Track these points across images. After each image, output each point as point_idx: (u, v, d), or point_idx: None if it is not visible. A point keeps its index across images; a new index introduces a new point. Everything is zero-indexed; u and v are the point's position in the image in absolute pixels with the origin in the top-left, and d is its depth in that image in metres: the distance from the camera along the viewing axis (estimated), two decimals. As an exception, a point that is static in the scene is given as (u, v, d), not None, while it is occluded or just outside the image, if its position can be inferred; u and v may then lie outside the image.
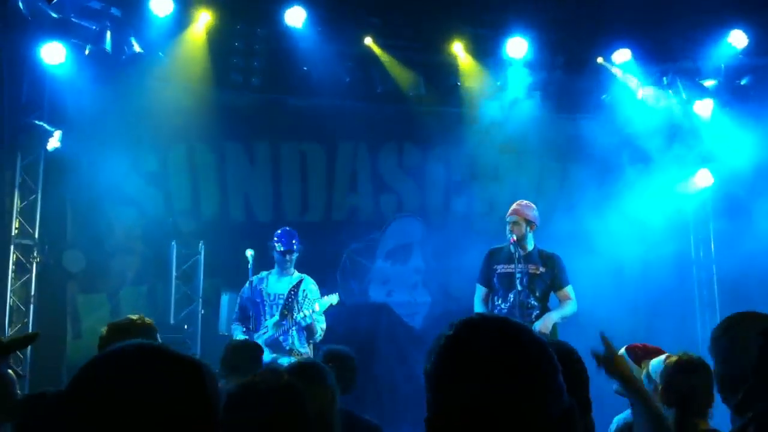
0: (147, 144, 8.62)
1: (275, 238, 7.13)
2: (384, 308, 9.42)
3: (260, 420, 2.35)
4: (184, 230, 8.54)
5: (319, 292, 7.16)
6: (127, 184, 8.56)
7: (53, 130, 7.74)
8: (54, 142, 7.75)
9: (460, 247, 8.63)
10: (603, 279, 8.42)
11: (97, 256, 8.24)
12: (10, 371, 2.37)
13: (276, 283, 7.14)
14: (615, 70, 9.19)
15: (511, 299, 6.72)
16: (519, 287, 6.65)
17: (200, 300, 8.68)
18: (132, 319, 3.77)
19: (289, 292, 7.01)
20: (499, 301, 6.85)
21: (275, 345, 6.90)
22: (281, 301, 7.01)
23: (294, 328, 6.94)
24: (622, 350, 4.35)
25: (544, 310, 6.79)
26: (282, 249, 7.06)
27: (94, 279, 8.43)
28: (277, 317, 6.94)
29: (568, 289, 6.91)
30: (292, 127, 9.39)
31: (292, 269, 7.17)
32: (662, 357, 3.73)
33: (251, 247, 7.01)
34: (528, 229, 6.85)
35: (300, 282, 7.06)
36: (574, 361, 2.60)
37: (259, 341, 6.55)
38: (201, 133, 8.91)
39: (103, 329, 3.75)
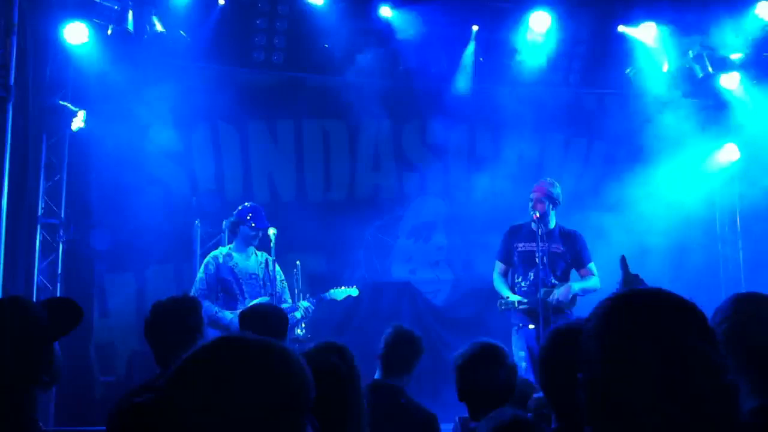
0: (170, 123, 8.64)
1: (248, 215, 6.90)
2: (407, 286, 9.43)
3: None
4: (209, 210, 8.57)
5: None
6: (151, 163, 8.60)
7: (77, 110, 7.79)
8: (78, 122, 7.80)
9: (484, 224, 8.62)
10: (627, 256, 8.35)
11: (123, 236, 8.30)
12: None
13: (245, 261, 6.93)
14: (640, 36, 9.05)
15: (531, 277, 6.74)
16: (540, 265, 6.66)
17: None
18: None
19: (267, 275, 6.84)
20: (519, 279, 6.88)
21: None
22: (254, 281, 6.85)
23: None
24: None
25: (563, 287, 6.79)
26: (257, 226, 6.88)
27: (121, 258, 8.50)
28: (267, 299, 6.71)
29: (591, 266, 6.92)
30: (314, 105, 9.38)
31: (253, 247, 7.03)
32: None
33: (274, 226, 6.97)
34: (550, 206, 6.85)
35: (267, 262, 6.89)
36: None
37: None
38: (224, 112, 8.93)
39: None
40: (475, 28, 9.04)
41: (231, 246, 7.02)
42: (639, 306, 1.52)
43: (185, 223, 8.49)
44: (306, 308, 6.87)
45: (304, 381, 1.56)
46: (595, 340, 1.51)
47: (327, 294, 7.02)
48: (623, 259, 2.91)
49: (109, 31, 7.87)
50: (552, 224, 6.89)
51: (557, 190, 6.92)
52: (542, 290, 6.59)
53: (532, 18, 8.88)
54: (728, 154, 9.60)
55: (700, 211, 9.66)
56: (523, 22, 8.95)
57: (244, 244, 6.95)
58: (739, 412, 1.46)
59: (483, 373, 3.47)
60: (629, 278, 2.82)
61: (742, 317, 2.38)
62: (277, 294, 6.85)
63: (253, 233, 6.90)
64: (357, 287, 7.20)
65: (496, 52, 9.23)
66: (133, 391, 3.55)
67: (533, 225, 6.80)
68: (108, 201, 8.35)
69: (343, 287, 7.08)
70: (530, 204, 6.84)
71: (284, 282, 7.07)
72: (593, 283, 6.81)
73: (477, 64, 9.20)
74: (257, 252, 7.00)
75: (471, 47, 9.14)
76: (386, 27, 8.81)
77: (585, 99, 9.99)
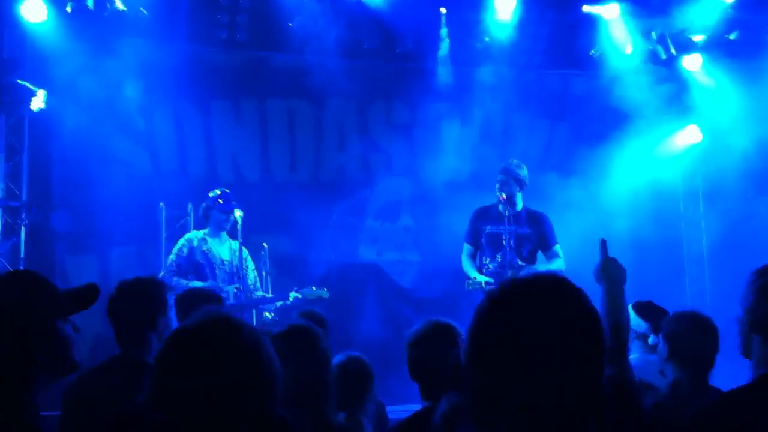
0: (132, 103, 8.50)
1: (218, 200, 6.94)
2: (374, 268, 9.42)
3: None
4: (172, 191, 8.49)
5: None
6: (114, 144, 8.47)
7: (37, 89, 7.64)
8: (38, 103, 7.65)
9: (450, 205, 8.64)
10: (591, 237, 8.44)
11: (86, 217, 8.19)
12: (69, 327, 2.30)
13: (219, 247, 7.01)
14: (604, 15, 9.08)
15: (499, 259, 6.80)
16: (507, 247, 6.70)
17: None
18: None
19: (241, 264, 6.85)
20: (487, 261, 6.94)
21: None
22: (228, 267, 6.91)
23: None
24: (629, 306, 4.42)
25: (531, 268, 6.86)
26: (226, 208, 6.91)
27: (83, 240, 8.39)
28: (238, 285, 6.80)
29: (556, 248, 7.00)
30: (279, 85, 9.27)
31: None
32: (673, 315, 3.73)
33: (240, 208, 6.94)
34: (517, 188, 6.89)
35: (241, 250, 6.89)
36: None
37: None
38: (187, 92, 8.79)
39: None
40: (443, 10, 8.99)
41: (206, 231, 7.05)
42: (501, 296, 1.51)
43: (149, 205, 8.39)
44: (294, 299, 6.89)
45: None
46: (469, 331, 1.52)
47: (299, 293, 6.98)
48: (603, 243, 2.93)
49: (69, 9, 7.73)
50: (519, 206, 6.95)
51: (524, 172, 6.97)
52: (509, 272, 6.64)
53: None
54: (690, 135, 9.71)
55: (663, 192, 9.79)
56: (489, 3, 8.92)
57: (217, 229, 7.00)
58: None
59: (433, 352, 3.36)
60: (607, 262, 2.83)
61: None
62: (248, 285, 6.90)
63: (224, 216, 6.93)
64: (327, 289, 7.18)
65: (462, 33, 9.21)
66: (91, 371, 3.52)
67: (500, 207, 6.84)
68: (70, 182, 8.23)
69: (314, 287, 7.10)
70: (497, 186, 6.87)
71: (255, 272, 7.13)
72: (558, 266, 6.88)
73: (443, 44, 9.18)
74: (230, 239, 7.04)
75: (444, 31, 9.09)
76: (351, 5, 8.73)
77: (549, 80, 10.02)
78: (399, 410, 5.80)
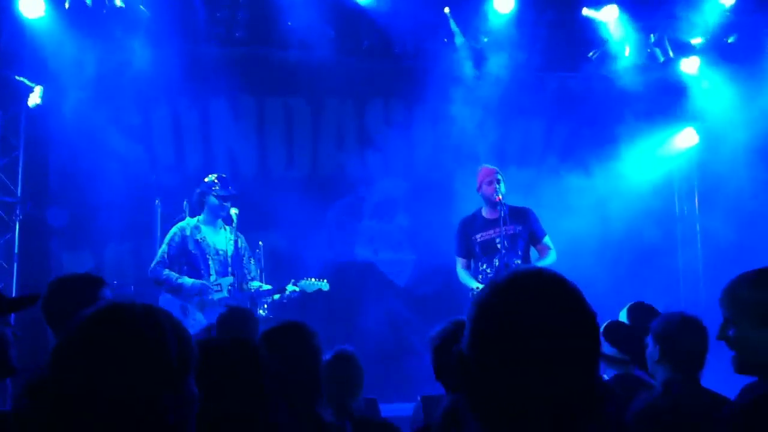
0: (129, 99, 8.49)
1: (215, 185, 6.71)
2: (370, 267, 9.42)
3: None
4: (168, 187, 8.47)
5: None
6: (110, 140, 8.45)
7: (34, 85, 7.63)
8: (35, 98, 7.65)
9: (445, 204, 8.64)
10: (586, 237, 8.48)
11: (81, 213, 8.18)
12: (9, 331, 2.30)
13: (214, 236, 6.74)
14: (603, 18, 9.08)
15: (497, 263, 6.78)
16: (503, 250, 6.70)
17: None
18: None
19: (237, 253, 6.68)
20: (484, 266, 6.93)
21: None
22: (222, 258, 6.67)
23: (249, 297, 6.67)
24: (623, 311, 4.44)
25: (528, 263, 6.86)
26: (224, 194, 6.69)
27: (78, 236, 8.38)
28: (231, 279, 6.62)
29: (546, 240, 7.01)
30: (277, 82, 9.27)
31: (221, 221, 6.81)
32: (663, 316, 3.74)
33: (236, 205, 6.87)
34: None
35: (237, 240, 6.73)
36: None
37: (214, 297, 6.48)
38: (185, 88, 8.77)
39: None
40: (447, 10, 8.98)
41: (200, 218, 6.80)
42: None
43: (145, 201, 8.37)
44: (291, 292, 6.76)
45: (183, 347, 1.59)
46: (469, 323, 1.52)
47: (297, 285, 6.81)
48: None
49: (67, 5, 7.71)
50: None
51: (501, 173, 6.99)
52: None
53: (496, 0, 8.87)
54: (687, 138, 9.72)
55: (659, 194, 9.80)
56: (488, 4, 8.92)
57: (213, 217, 6.76)
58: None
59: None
60: None
61: None
62: (245, 274, 6.71)
63: (219, 203, 6.69)
64: (327, 281, 6.98)
65: (461, 32, 9.20)
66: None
67: (484, 212, 6.89)
68: (66, 178, 8.22)
69: (313, 279, 6.90)
70: (497, 187, 6.82)
71: (252, 259, 6.92)
72: (550, 260, 6.88)
73: (444, 44, 9.17)
74: (227, 227, 6.79)
75: (453, 25, 9.08)
76: (350, 4, 8.72)
77: (547, 82, 10.01)
78: (394, 408, 5.81)
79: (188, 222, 6.81)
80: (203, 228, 6.76)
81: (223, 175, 6.93)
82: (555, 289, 1.48)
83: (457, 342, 3.43)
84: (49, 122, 7.97)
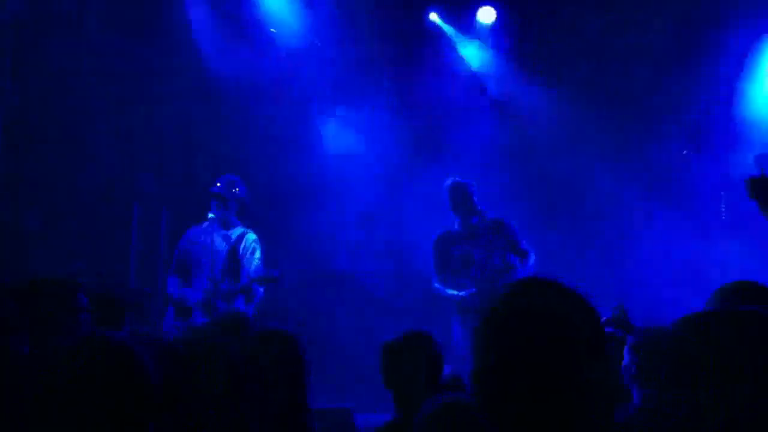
0: (110, 99, 8.38)
1: (218, 182, 6.73)
2: (348, 277, 9.33)
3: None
4: (147, 190, 8.37)
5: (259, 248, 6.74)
6: (88, 141, 8.32)
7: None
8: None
9: (425, 214, 8.60)
10: (582, 237, 8.53)
11: (55, 216, 8.06)
12: None
13: (206, 234, 6.63)
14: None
15: (478, 276, 6.76)
16: (481, 262, 6.71)
17: (161, 263, 8.51)
18: None
19: (232, 247, 6.60)
20: (462, 280, 6.89)
21: (211, 308, 6.36)
22: (214, 257, 6.53)
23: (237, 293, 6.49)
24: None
25: (509, 271, 6.81)
26: (213, 190, 6.67)
27: (53, 239, 8.23)
28: (218, 276, 6.51)
29: (524, 246, 6.98)
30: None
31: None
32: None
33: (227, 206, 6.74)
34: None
35: (241, 236, 6.65)
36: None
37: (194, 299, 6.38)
38: (164, 91, 8.67)
39: None
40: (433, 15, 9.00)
41: (211, 216, 6.61)
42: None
43: (122, 205, 8.27)
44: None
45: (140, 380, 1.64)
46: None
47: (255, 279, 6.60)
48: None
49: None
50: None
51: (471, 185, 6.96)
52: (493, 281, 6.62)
53: (479, 12, 8.95)
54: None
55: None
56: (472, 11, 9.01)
57: (209, 213, 6.61)
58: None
59: (410, 360, 3.46)
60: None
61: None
62: (216, 275, 6.52)
63: (209, 198, 6.63)
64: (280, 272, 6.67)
65: (443, 42, 9.25)
66: None
67: (459, 225, 6.87)
68: (40, 180, 8.08)
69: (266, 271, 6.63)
70: (469, 206, 6.82)
71: (258, 260, 6.69)
72: (531, 262, 6.87)
73: (424, 55, 9.21)
74: (231, 226, 6.70)
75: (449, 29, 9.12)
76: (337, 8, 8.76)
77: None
78: (370, 418, 5.76)
79: (199, 225, 6.78)
80: (200, 226, 6.69)
81: (224, 174, 6.87)
82: (560, 290, 1.55)
83: (412, 352, 3.46)
84: (23, 124, 7.86)
